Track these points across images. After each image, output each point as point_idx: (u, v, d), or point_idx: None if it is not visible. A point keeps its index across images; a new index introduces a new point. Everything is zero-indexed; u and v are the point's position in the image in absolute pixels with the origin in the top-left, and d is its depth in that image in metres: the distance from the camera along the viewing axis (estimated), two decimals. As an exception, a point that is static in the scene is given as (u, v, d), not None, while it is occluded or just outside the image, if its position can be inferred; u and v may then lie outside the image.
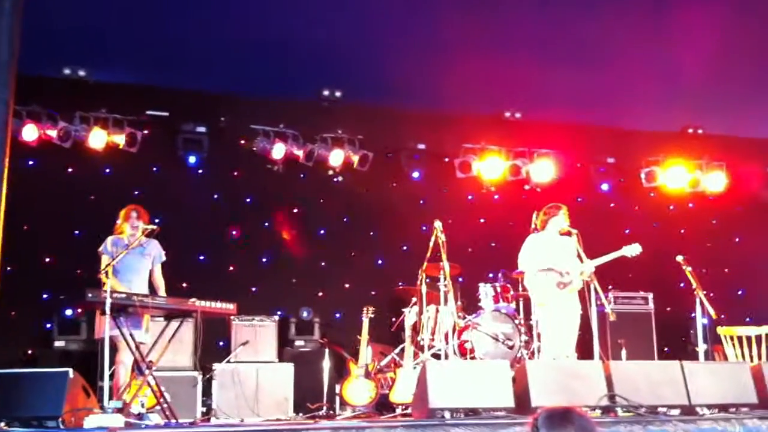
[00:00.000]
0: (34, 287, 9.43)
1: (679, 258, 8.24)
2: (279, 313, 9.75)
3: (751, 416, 6.53)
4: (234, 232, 10.59)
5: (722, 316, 8.36)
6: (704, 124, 12.05)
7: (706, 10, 8.85)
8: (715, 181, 12.08)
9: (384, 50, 9.64)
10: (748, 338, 8.74)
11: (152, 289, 7.84)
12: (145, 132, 10.12)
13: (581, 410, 3.09)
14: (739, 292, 11.96)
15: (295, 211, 10.95)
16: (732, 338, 8.78)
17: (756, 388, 6.98)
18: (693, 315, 8.36)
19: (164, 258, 7.94)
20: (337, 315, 10.58)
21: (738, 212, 12.47)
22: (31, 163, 9.69)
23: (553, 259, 8.15)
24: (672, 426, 6.19)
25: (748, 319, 9.63)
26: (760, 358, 8.59)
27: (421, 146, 11.44)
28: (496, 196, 11.72)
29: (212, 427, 7.49)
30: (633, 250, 8.17)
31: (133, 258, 7.66)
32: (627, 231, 11.25)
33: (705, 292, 8.12)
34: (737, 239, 12.52)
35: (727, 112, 11.33)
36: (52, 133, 9.60)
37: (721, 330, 8.85)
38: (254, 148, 10.52)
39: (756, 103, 10.97)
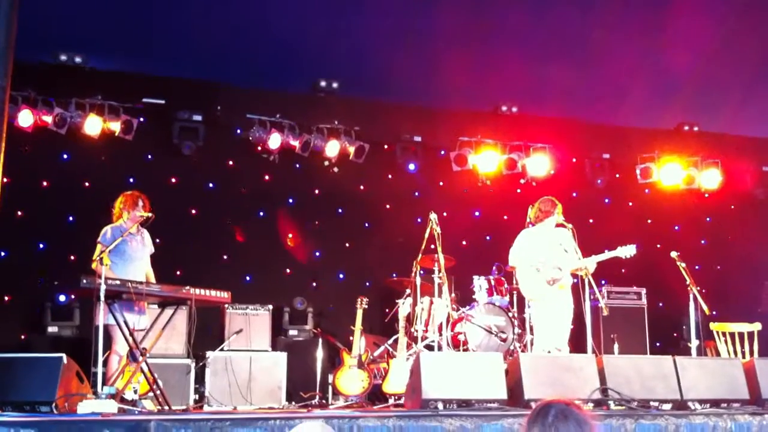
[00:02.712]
0: (27, 273, 9.41)
1: (674, 254, 8.25)
2: (272, 302, 9.73)
3: (742, 412, 6.56)
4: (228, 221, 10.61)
5: (714, 312, 8.40)
6: (699, 122, 12.10)
7: (701, 9, 8.88)
8: (710, 178, 12.09)
9: (381, 43, 9.65)
10: (740, 334, 8.78)
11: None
12: (141, 119, 10.10)
13: (567, 402, 3.09)
14: (731, 289, 11.99)
15: (291, 201, 10.96)
16: (724, 334, 8.82)
17: (747, 384, 7.00)
18: (685, 311, 8.38)
19: (153, 250, 7.89)
20: (331, 305, 10.58)
21: (732, 210, 12.53)
22: (26, 148, 9.65)
23: (544, 254, 8.13)
24: (664, 420, 6.22)
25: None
26: (752, 354, 8.63)
27: (417, 139, 11.41)
28: (491, 190, 11.71)
29: (205, 415, 7.47)
30: (628, 251, 8.03)
31: (136, 246, 7.61)
32: (621, 227, 11.28)
33: (698, 288, 8.14)
34: (730, 236, 12.56)
35: (722, 109, 11.37)
36: (48, 119, 9.57)
37: (714, 326, 8.89)
38: (250, 138, 10.49)
39: (751, 102, 10.99)
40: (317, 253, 10.90)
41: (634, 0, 8.94)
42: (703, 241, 12.26)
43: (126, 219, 7.57)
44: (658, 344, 10.90)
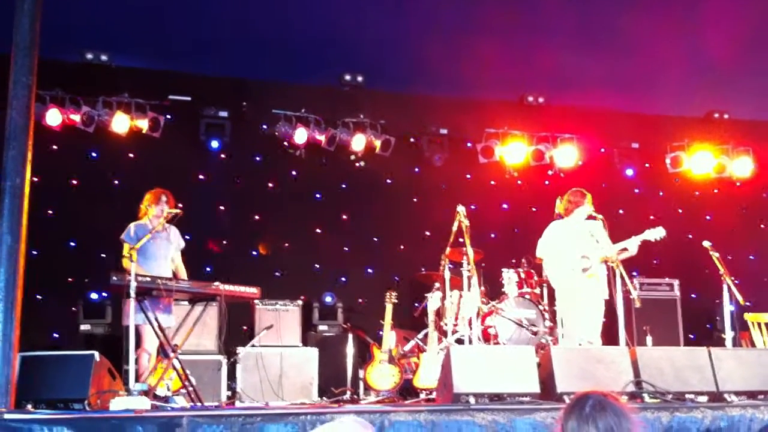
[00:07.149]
0: (58, 271, 9.48)
1: (706, 243, 8.10)
2: (302, 297, 9.73)
3: (780, 403, 6.45)
4: (256, 217, 10.61)
5: (749, 303, 8.26)
6: (730, 109, 11.91)
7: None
8: (742, 166, 11.92)
9: (406, 35, 9.60)
10: (776, 325, 8.65)
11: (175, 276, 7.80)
12: (168, 117, 10.15)
13: (604, 393, 3.06)
14: (766, 279, 11.81)
15: (318, 196, 10.95)
16: (759, 325, 8.69)
17: (785, 375, 6.89)
18: (719, 301, 8.25)
19: (183, 245, 7.91)
20: (360, 300, 10.56)
21: (765, 198, 12.34)
22: (54, 147, 9.72)
23: (573, 245, 8.04)
24: (700, 413, 6.11)
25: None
26: (788, 344, 8.50)
27: (443, 131, 11.35)
28: (519, 182, 11.62)
29: (236, 410, 7.48)
30: (656, 233, 7.84)
31: (160, 243, 7.61)
32: (652, 217, 11.13)
33: (732, 279, 8.01)
34: (764, 225, 12.38)
35: (753, 96, 11.18)
36: (76, 117, 9.65)
37: (749, 316, 8.76)
38: (276, 133, 10.49)
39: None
40: (345, 248, 10.87)
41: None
42: (734, 230, 12.06)
43: (151, 216, 7.60)
44: (692, 336, 10.78)
